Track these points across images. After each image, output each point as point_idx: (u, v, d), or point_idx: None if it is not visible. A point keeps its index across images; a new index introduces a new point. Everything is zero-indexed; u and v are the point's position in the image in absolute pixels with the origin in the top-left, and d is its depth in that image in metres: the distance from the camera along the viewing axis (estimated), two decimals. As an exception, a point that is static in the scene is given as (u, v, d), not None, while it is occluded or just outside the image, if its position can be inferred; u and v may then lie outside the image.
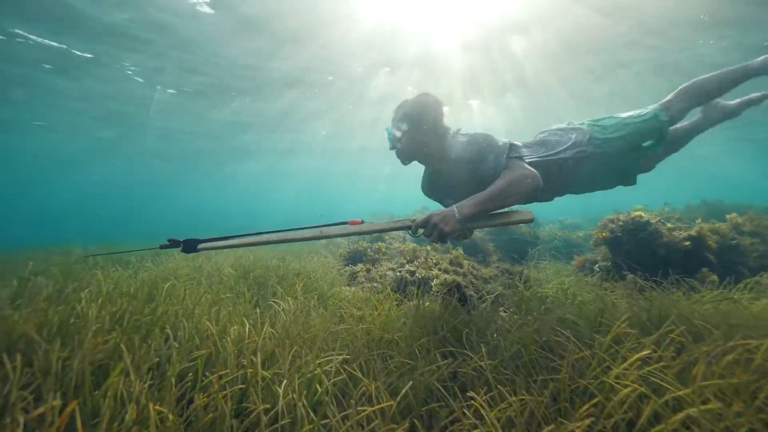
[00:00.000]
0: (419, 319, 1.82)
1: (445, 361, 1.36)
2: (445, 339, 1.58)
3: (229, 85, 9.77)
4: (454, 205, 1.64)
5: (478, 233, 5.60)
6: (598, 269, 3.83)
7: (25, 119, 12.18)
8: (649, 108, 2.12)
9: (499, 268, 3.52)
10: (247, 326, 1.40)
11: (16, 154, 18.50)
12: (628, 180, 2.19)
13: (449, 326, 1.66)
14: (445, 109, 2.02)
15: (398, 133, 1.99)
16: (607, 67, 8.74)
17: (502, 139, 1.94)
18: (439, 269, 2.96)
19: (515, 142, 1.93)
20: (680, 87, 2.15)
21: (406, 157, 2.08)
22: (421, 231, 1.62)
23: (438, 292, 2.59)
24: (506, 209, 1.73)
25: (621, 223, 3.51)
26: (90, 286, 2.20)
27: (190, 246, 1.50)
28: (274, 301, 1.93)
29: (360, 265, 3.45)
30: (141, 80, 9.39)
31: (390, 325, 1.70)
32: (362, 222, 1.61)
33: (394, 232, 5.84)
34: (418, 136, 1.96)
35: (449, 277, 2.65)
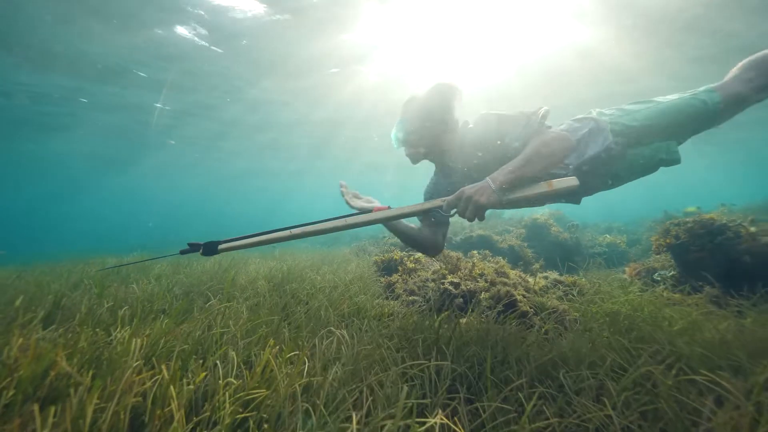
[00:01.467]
0: (497, 346, 1.59)
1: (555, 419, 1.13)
2: (532, 377, 1.32)
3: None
4: (487, 177, 1.46)
5: (515, 239, 5.28)
6: (659, 278, 3.46)
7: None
8: (699, 89, 1.76)
9: (548, 279, 3.23)
10: (306, 364, 1.21)
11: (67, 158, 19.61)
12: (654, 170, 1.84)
13: (537, 362, 1.41)
14: (457, 101, 1.84)
15: (408, 131, 1.85)
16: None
17: (523, 110, 1.70)
18: (486, 280, 2.71)
19: (543, 108, 1.66)
20: (742, 61, 1.77)
21: (417, 156, 1.93)
22: (453, 209, 1.46)
23: (488, 306, 2.34)
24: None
25: (688, 226, 3.14)
26: (125, 303, 2.11)
27: (210, 248, 1.44)
28: (329, 331, 1.75)
29: (396, 276, 3.25)
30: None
31: (463, 351, 1.48)
32: (388, 209, 1.50)
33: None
34: (431, 132, 1.83)
35: (502, 289, 2.40)
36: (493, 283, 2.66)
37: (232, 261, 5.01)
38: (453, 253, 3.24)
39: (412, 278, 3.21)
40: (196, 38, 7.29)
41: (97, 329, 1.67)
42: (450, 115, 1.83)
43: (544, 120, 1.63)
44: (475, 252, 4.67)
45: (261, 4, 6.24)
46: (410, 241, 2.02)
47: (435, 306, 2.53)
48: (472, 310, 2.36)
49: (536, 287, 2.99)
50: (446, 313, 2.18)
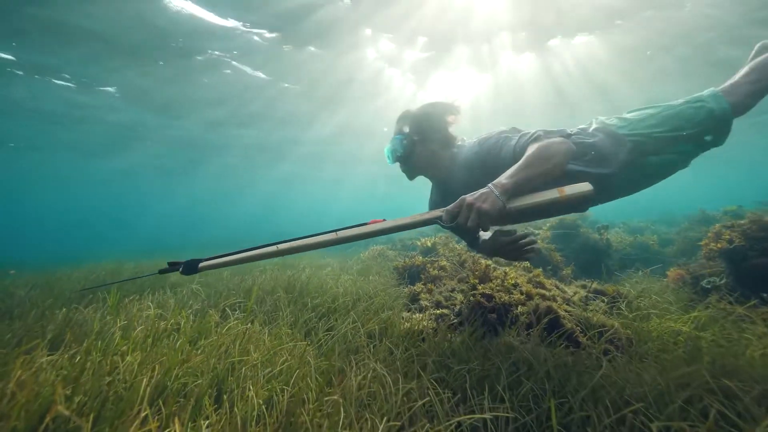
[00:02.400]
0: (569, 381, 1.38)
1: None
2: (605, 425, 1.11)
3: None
4: (489, 184, 1.35)
5: (542, 242, 5.01)
6: (709, 286, 3.16)
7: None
8: (705, 92, 1.67)
9: (586, 288, 2.97)
10: (341, 413, 1.03)
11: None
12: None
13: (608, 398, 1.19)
14: (452, 117, 1.85)
15: (401, 145, 1.82)
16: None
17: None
18: (521, 292, 2.49)
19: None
20: (752, 61, 1.69)
21: (412, 172, 1.91)
22: (454, 219, 1.34)
23: (528, 323, 2.12)
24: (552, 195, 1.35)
25: (743, 229, 2.84)
26: (139, 319, 1.98)
27: (190, 267, 1.37)
28: (361, 358, 1.57)
29: (419, 285, 3.05)
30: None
31: (515, 389, 1.28)
32: (384, 221, 1.39)
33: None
34: (426, 147, 1.81)
35: (541, 304, 2.18)
36: (529, 296, 2.44)
37: (247, 267, 4.90)
38: (483, 260, 3.02)
39: (437, 287, 3.01)
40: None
41: (107, 354, 1.53)
42: (444, 130, 1.82)
43: (541, 133, 1.57)
44: (500, 260, 4.41)
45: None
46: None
47: (466, 320, 2.33)
48: (509, 326, 2.15)
49: (575, 298, 2.75)
50: (481, 331, 1.98)
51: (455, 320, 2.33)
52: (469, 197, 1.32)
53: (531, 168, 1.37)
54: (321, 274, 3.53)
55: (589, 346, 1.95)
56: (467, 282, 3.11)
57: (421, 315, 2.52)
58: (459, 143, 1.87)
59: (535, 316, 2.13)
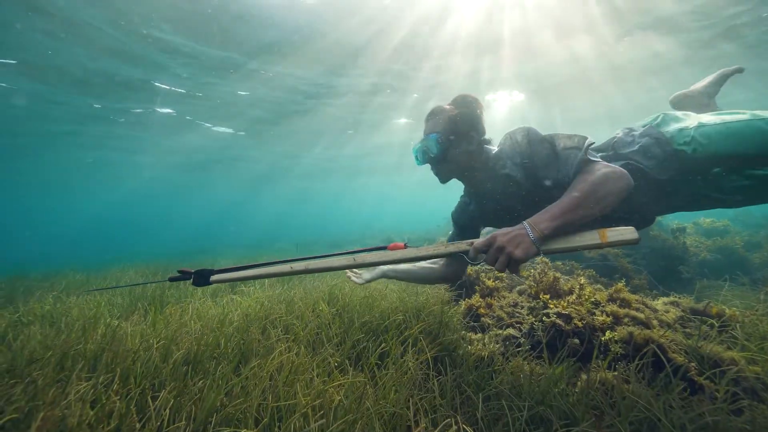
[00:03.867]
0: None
1: None
2: None
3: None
4: (525, 222, 1.23)
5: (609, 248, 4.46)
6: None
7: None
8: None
9: (676, 305, 2.50)
10: None
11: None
12: None
13: None
14: (484, 112, 1.75)
15: (437, 145, 1.67)
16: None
17: (559, 132, 1.53)
18: (605, 313, 2.09)
19: (588, 139, 1.43)
20: None
21: (446, 175, 1.76)
22: (482, 257, 1.24)
23: (622, 354, 1.74)
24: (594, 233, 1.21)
25: None
26: (178, 340, 1.83)
27: (201, 277, 1.31)
28: (433, 405, 1.30)
29: (477, 298, 2.72)
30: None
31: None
32: (405, 246, 1.33)
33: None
34: (462, 147, 1.68)
35: (638, 333, 1.78)
36: (616, 318, 2.04)
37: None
38: (551, 274, 2.64)
39: (497, 301, 2.66)
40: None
41: (141, 384, 1.37)
42: (478, 128, 1.70)
43: (590, 154, 1.39)
44: (548, 261, 3.97)
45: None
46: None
47: (540, 346, 1.99)
48: (598, 357, 1.78)
49: (667, 317, 2.30)
50: (573, 364, 1.63)
51: (526, 345, 1.99)
52: (501, 237, 1.20)
53: (580, 210, 1.21)
54: (364, 286, 3.29)
55: (710, 389, 1.55)
56: (529, 294, 2.74)
57: (483, 335, 2.20)
58: (489, 145, 1.75)
59: (632, 346, 1.75)
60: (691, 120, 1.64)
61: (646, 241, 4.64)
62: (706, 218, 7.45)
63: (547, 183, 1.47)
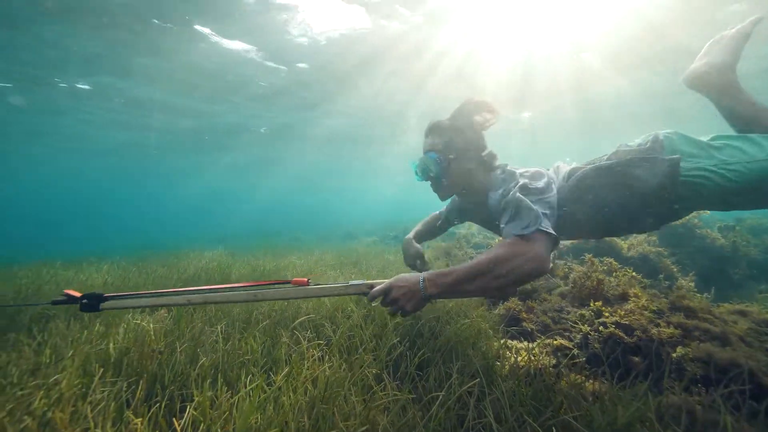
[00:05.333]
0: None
1: None
2: None
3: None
4: (422, 276, 1.29)
5: (648, 245, 4.16)
6: None
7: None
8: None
9: (745, 315, 2.24)
10: None
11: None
12: None
13: None
14: (488, 121, 1.64)
15: (435, 164, 1.62)
16: None
17: (530, 180, 1.48)
18: (672, 324, 1.87)
19: (531, 184, 1.43)
20: None
21: (444, 192, 1.74)
22: (378, 300, 1.33)
23: (702, 376, 1.52)
24: None
25: None
26: (208, 340, 1.71)
27: (91, 303, 1.24)
28: None
29: (515, 301, 2.51)
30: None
31: None
32: (308, 282, 1.33)
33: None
34: (462, 164, 1.63)
35: (719, 354, 1.55)
36: (685, 330, 1.81)
37: (308, 267, 4.68)
38: (594, 274, 2.41)
39: (538, 305, 2.46)
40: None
41: (167, 392, 1.25)
42: (477, 145, 1.64)
43: (531, 226, 1.29)
44: (595, 260, 3.71)
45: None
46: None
47: (590, 353, 1.78)
48: (670, 377, 1.56)
49: (738, 331, 2.05)
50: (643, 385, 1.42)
51: (581, 357, 1.79)
52: (396, 291, 1.28)
53: (475, 281, 1.26)
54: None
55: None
56: (573, 298, 2.52)
57: (528, 344, 2.01)
58: (502, 168, 1.64)
59: (712, 368, 1.53)
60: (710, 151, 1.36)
61: (690, 240, 4.31)
62: (744, 215, 6.95)
63: (499, 224, 1.43)
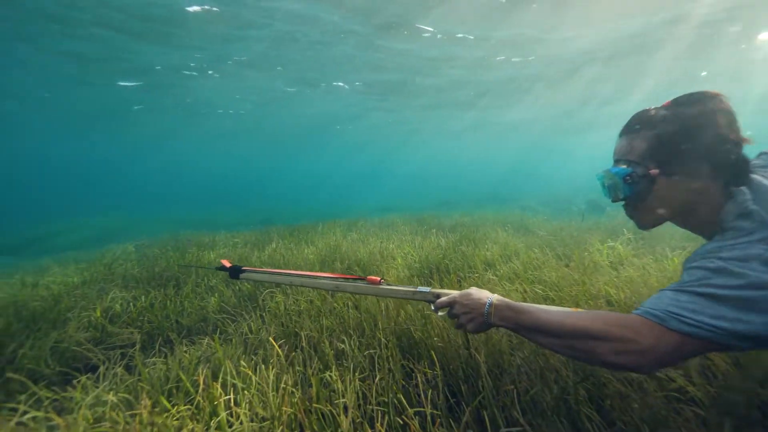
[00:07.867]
0: None
1: None
2: None
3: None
4: (490, 299, 1.07)
5: None
6: None
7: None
8: None
9: None
10: None
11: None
12: None
13: None
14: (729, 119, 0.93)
15: (626, 187, 1.02)
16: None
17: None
18: None
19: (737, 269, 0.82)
20: None
21: (648, 222, 1.08)
22: (444, 311, 1.21)
23: None
24: None
25: None
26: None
27: (234, 272, 1.46)
28: None
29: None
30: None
31: None
32: (380, 281, 1.29)
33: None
34: (676, 182, 0.98)
35: None
36: None
37: (378, 249, 4.17)
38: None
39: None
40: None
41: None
42: (711, 153, 0.94)
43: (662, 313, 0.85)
44: None
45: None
46: None
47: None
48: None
49: None
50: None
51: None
52: (460, 307, 1.13)
53: (548, 337, 0.97)
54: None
55: None
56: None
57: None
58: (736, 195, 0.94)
59: None
60: None
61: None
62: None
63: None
